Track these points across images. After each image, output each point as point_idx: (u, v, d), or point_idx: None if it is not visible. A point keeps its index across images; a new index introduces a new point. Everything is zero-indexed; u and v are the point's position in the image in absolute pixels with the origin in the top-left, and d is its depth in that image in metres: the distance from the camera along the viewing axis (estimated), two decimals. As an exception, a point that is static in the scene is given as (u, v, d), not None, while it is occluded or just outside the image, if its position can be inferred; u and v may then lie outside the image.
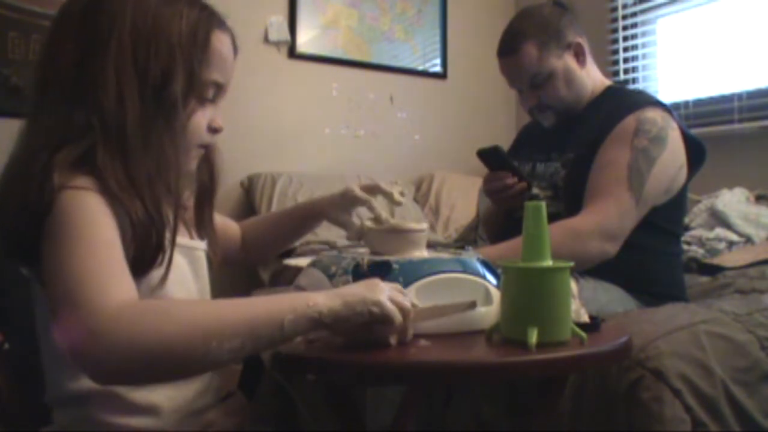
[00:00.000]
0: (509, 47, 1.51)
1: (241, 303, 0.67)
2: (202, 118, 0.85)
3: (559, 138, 1.54)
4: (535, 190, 1.50)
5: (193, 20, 0.81)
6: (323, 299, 0.69)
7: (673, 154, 1.41)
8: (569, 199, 1.43)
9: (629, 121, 1.41)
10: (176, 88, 0.79)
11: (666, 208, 1.44)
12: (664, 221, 1.45)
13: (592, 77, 1.56)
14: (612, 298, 1.35)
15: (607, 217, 1.34)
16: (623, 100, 1.48)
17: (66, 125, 0.75)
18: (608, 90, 1.56)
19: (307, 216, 1.15)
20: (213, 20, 0.84)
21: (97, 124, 0.75)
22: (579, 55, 1.53)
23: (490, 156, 1.51)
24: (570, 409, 1.02)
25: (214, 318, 0.65)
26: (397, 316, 0.72)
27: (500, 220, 1.61)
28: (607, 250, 1.34)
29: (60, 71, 0.78)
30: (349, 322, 0.70)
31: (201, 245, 0.93)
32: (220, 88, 0.86)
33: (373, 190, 1.07)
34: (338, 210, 1.08)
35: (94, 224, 0.70)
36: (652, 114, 1.41)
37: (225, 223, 1.14)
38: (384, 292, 0.72)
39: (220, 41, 0.84)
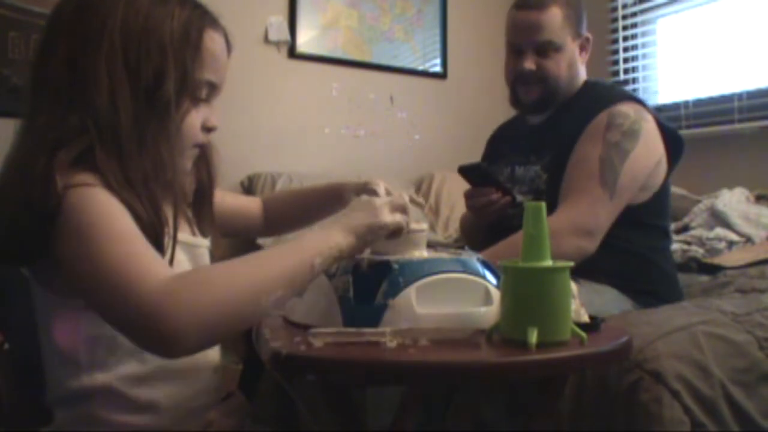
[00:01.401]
0: (538, 2, 1.48)
1: (275, 255, 0.73)
2: (195, 118, 0.84)
3: (537, 140, 1.53)
4: (519, 198, 1.47)
5: (184, 20, 0.81)
6: (340, 238, 0.77)
7: (648, 147, 1.39)
8: (553, 204, 1.39)
9: (601, 117, 1.40)
10: (169, 89, 0.79)
11: (650, 204, 1.43)
12: (649, 217, 1.45)
13: (581, 74, 1.56)
14: (607, 300, 1.34)
15: (580, 214, 1.32)
16: (596, 97, 1.48)
17: (61, 127, 0.75)
18: (585, 85, 1.55)
19: (330, 196, 1.14)
20: (205, 19, 0.84)
21: (92, 126, 0.75)
22: (583, 50, 1.54)
23: (472, 172, 1.47)
24: (570, 411, 1.02)
25: (260, 277, 0.69)
26: (401, 224, 0.83)
27: (481, 232, 1.59)
28: (584, 247, 1.32)
29: (53, 72, 0.78)
30: (365, 246, 0.81)
31: (204, 243, 0.93)
32: (213, 88, 0.86)
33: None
34: (354, 195, 1.07)
35: (112, 215, 0.71)
36: (624, 108, 1.41)
37: (240, 202, 1.15)
38: (384, 214, 0.81)
39: (213, 40, 0.84)
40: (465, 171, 1.48)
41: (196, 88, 0.83)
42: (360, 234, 0.78)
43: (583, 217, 1.32)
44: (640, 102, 1.46)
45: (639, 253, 1.43)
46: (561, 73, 1.49)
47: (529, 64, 1.49)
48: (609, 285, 1.38)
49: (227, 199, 1.11)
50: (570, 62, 1.50)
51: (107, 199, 0.72)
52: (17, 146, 0.77)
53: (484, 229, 1.57)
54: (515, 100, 1.57)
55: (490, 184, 1.46)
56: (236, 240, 2.46)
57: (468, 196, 1.52)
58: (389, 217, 0.81)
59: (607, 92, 1.51)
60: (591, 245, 1.33)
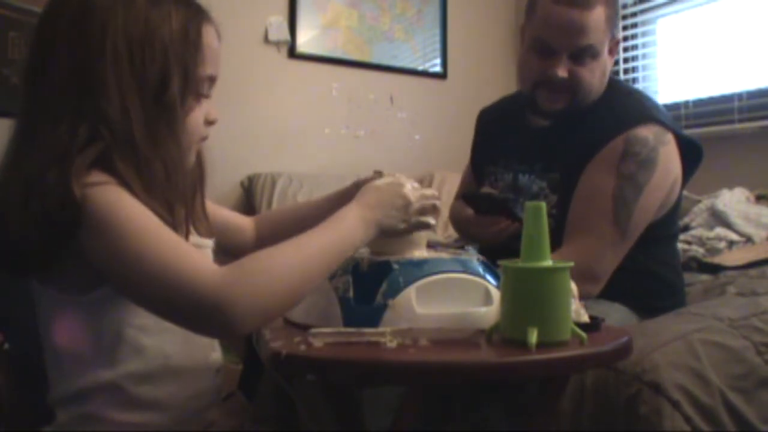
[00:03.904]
0: (584, 0, 1.25)
1: (318, 245, 0.77)
2: (199, 113, 0.85)
3: (544, 146, 1.39)
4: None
5: (182, 19, 0.81)
6: (372, 232, 0.83)
7: (664, 174, 1.28)
8: (561, 230, 1.30)
9: (617, 143, 1.26)
10: (175, 90, 0.79)
11: (664, 219, 1.36)
12: (663, 230, 1.38)
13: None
14: (615, 318, 1.26)
15: (589, 258, 1.22)
16: (614, 111, 1.32)
17: (70, 136, 0.74)
18: (607, 91, 1.36)
19: (327, 210, 1.11)
20: (200, 15, 0.84)
21: (107, 134, 0.75)
22: (611, 53, 1.35)
23: (480, 201, 1.40)
24: (569, 425, 1.01)
25: (307, 265, 0.75)
26: (433, 211, 0.91)
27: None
28: (587, 291, 1.21)
29: (56, 83, 0.77)
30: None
31: (208, 243, 0.93)
32: (212, 81, 0.87)
33: None
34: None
35: (142, 211, 0.73)
36: (643, 133, 1.26)
37: (235, 218, 1.14)
38: (409, 210, 0.87)
39: (209, 35, 0.85)
40: (471, 199, 1.42)
41: (198, 85, 0.84)
42: (384, 229, 0.85)
43: (591, 262, 1.23)
44: (660, 121, 1.29)
45: (652, 271, 1.37)
46: (594, 82, 1.31)
47: (563, 72, 1.28)
48: (620, 303, 1.32)
49: (223, 211, 1.11)
50: (603, 70, 1.32)
51: (128, 197, 0.74)
52: (18, 158, 0.76)
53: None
54: (533, 106, 1.39)
55: (497, 212, 1.36)
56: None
57: (474, 224, 1.42)
58: (413, 217, 0.87)
59: (627, 106, 1.33)
60: (595, 290, 1.26)
